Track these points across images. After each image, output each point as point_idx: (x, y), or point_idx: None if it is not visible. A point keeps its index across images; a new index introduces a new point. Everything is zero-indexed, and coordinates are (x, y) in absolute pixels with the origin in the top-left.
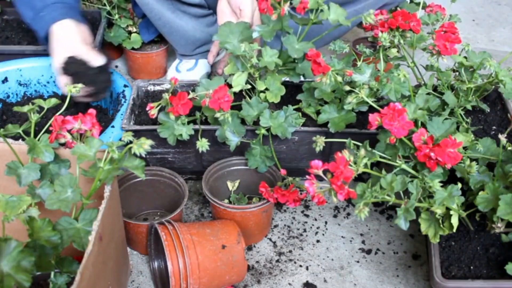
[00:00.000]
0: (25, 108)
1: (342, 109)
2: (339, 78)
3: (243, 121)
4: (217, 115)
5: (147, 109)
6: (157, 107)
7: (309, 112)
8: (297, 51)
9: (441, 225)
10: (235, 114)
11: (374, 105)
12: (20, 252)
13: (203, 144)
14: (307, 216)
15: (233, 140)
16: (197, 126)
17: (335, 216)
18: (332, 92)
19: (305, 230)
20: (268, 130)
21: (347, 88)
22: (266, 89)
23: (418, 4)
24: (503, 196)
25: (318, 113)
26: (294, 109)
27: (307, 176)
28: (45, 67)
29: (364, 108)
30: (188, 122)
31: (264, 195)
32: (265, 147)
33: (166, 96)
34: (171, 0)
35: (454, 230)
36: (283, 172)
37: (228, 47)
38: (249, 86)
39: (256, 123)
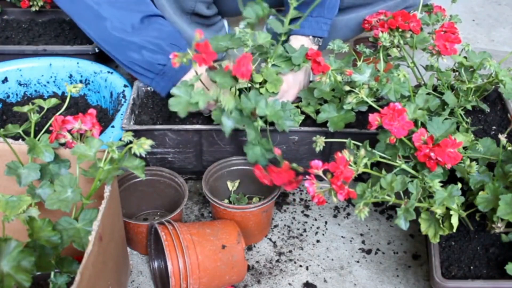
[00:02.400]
0: (25, 108)
1: (342, 108)
2: (339, 78)
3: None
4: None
5: (170, 56)
6: (183, 57)
7: (308, 111)
8: (284, 29)
9: (441, 225)
10: (235, 106)
11: (374, 105)
12: (20, 252)
13: (228, 102)
14: (307, 216)
15: (228, 124)
16: (199, 126)
17: (335, 216)
18: (332, 91)
19: (305, 230)
20: (265, 122)
21: (347, 88)
22: (265, 81)
23: (426, 5)
24: (503, 196)
25: (317, 112)
26: None
27: (307, 176)
28: (45, 67)
29: (364, 108)
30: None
31: (260, 177)
32: (264, 140)
33: (189, 51)
34: (189, 15)
35: (454, 230)
36: (286, 164)
37: (223, 43)
38: (248, 85)
39: None
